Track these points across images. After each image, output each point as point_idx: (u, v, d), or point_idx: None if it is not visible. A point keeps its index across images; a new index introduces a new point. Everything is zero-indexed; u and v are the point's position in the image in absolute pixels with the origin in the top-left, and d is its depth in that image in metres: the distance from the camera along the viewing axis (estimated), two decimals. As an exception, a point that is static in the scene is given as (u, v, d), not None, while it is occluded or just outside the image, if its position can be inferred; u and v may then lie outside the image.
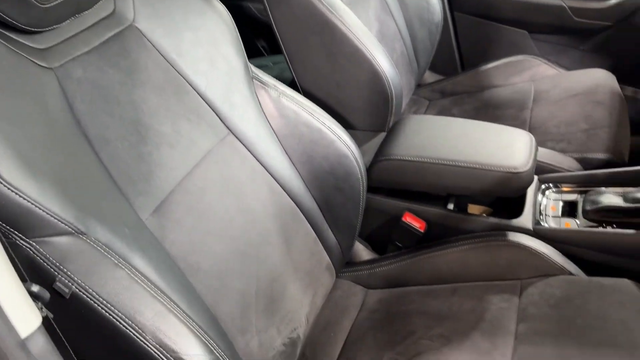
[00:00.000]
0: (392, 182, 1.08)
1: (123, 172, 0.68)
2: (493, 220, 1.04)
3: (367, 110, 1.19)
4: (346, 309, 1.02)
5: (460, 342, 0.86)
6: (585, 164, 1.19)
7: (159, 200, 0.72)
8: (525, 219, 1.03)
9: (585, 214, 1.03)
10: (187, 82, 0.81)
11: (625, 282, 0.87)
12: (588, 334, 0.80)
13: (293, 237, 0.93)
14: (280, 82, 0.95)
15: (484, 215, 1.12)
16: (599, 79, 1.43)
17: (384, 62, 1.13)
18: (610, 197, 1.03)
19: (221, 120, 0.85)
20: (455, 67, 1.87)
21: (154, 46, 0.78)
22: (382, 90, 1.14)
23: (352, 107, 1.19)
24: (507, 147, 1.01)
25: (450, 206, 1.12)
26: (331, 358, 0.94)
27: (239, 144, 0.87)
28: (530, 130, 1.34)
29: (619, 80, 1.44)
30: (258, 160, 0.89)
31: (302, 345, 0.92)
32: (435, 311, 0.94)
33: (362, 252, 1.11)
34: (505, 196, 1.02)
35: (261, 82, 0.93)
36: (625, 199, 1.01)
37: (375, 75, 1.13)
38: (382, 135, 1.18)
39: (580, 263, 0.96)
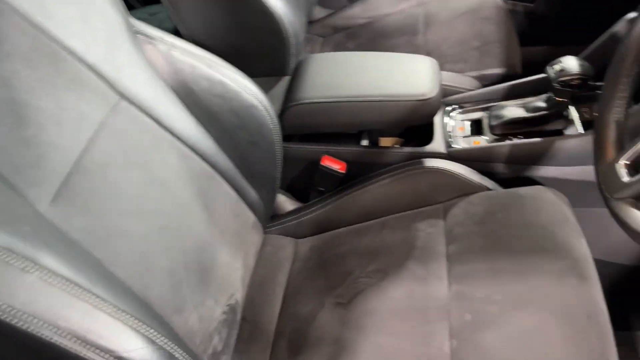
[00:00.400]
0: (305, 127, 1.04)
1: (6, 161, 0.58)
2: (408, 149, 1.04)
3: (265, 54, 1.13)
4: (279, 263, 0.99)
5: (396, 273, 0.87)
6: (484, 80, 1.23)
7: (55, 187, 0.63)
8: (438, 144, 1.05)
9: (492, 129, 1.07)
10: (60, 47, 0.70)
11: (540, 189, 0.92)
12: (515, 244, 0.84)
13: (213, 201, 0.87)
14: (168, 34, 0.86)
15: (397, 146, 1.12)
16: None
17: (274, 0, 1.06)
18: (513, 110, 1.07)
19: (109, 85, 0.75)
20: (343, -1, 1.82)
21: (13, 11, 0.66)
22: (277, 30, 1.08)
23: (248, 53, 1.12)
24: (413, 75, 1.00)
25: (364, 142, 1.11)
26: (272, 316, 0.91)
27: (135, 109, 0.78)
28: (427, 55, 1.35)
29: (500, -5, 1.48)
30: (160, 125, 0.80)
31: (241, 310, 0.89)
32: (368, 248, 0.94)
33: (286, 203, 1.08)
34: (416, 124, 1.02)
35: (147, 36, 0.83)
36: (527, 109, 1.05)
37: (267, 15, 1.06)
38: (287, 80, 1.13)
39: (495, 178, 1.00)
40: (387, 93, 0.96)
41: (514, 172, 1.02)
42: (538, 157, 1.00)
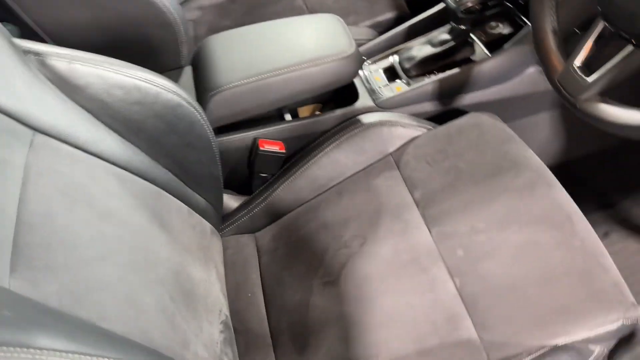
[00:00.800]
0: (230, 115, 0.96)
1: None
2: (340, 112, 1.02)
3: (154, 47, 1.01)
4: (246, 263, 0.93)
5: (374, 234, 0.86)
6: (379, 28, 1.23)
7: (7, 256, 0.51)
8: (364, 99, 1.04)
9: (407, 72, 1.08)
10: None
11: (474, 115, 0.95)
12: (475, 171, 0.87)
13: (168, 219, 0.77)
14: (60, 47, 0.73)
15: (318, 112, 1.09)
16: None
17: None
18: (421, 49, 1.09)
19: (16, 120, 0.62)
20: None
21: None
22: (163, 18, 0.97)
23: (134, 51, 1.00)
24: (326, 35, 0.97)
25: (288, 117, 1.06)
26: (260, 318, 0.86)
27: (54, 141, 0.65)
28: (309, 13, 1.32)
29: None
30: (85, 152, 0.69)
31: (232, 322, 0.82)
32: (335, 219, 0.91)
33: (230, 200, 1.00)
34: (345, 83, 0.99)
35: (39, 54, 0.69)
36: (433, 45, 1.08)
37: (147, 4, 0.95)
38: (188, 71, 1.03)
39: (428, 117, 1.02)
40: (309, 58, 0.92)
41: (441, 107, 1.04)
42: (458, 87, 1.04)
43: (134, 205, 0.72)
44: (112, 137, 0.73)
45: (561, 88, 0.67)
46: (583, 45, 0.65)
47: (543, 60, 0.71)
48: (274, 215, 0.97)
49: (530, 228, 0.78)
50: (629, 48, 0.60)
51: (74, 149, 0.67)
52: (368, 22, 1.24)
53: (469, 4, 0.99)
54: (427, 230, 0.84)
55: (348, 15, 1.26)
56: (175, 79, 1.03)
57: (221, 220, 0.96)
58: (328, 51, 0.93)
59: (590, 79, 0.63)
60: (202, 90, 0.94)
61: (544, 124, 1.15)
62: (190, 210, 0.84)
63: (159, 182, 0.79)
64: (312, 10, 1.32)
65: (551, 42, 0.70)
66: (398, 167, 0.93)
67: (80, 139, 0.68)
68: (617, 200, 1.32)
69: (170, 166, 0.81)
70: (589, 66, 0.65)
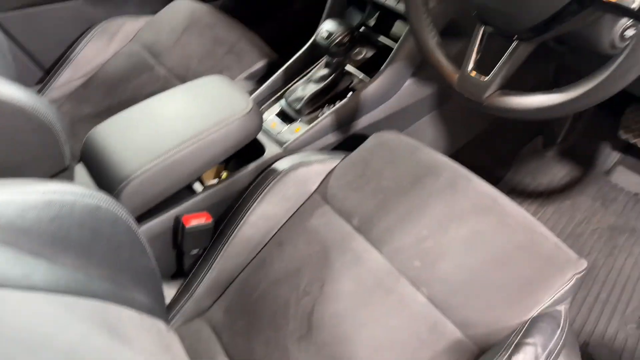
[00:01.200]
0: (145, 203, 0.90)
1: None
2: (252, 166, 1.01)
3: (37, 154, 0.92)
4: (208, 349, 0.87)
5: (331, 273, 0.86)
6: (254, 78, 1.25)
7: None
8: (271, 148, 1.05)
9: (300, 112, 1.11)
10: None
11: (377, 135, 1.00)
12: (400, 185, 0.91)
13: (123, 331, 0.70)
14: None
15: (224, 173, 1.08)
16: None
17: (6, 89, 0.86)
18: (304, 88, 1.13)
19: None
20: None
21: None
22: (36, 122, 0.89)
23: (19, 162, 0.90)
24: (220, 96, 0.96)
25: (197, 186, 1.03)
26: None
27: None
28: (181, 78, 1.30)
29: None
30: (21, 289, 0.60)
31: None
32: (284, 271, 0.90)
33: (168, 289, 0.93)
34: (250, 140, 0.98)
35: None
36: (316, 81, 1.13)
37: (14, 111, 0.86)
38: (80, 168, 0.95)
39: (335, 147, 1.06)
40: (212, 123, 0.90)
41: (344, 135, 1.09)
42: (352, 114, 1.10)
43: (88, 331, 0.64)
44: (41, 265, 0.65)
45: (466, 94, 0.74)
46: (472, 51, 0.73)
47: (439, 73, 0.78)
48: (218, 289, 0.93)
49: (468, 221, 0.84)
50: (514, 43, 0.69)
51: (5, 292, 0.58)
52: (242, 76, 1.25)
53: (338, 38, 1.05)
54: (377, 252, 0.86)
55: (220, 72, 1.26)
56: (67, 181, 0.94)
57: (166, 312, 0.89)
58: (228, 111, 0.92)
59: (487, 79, 0.71)
60: (106, 185, 0.87)
61: (428, 126, 1.26)
62: (140, 313, 0.77)
63: (101, 295, 0.71)
64: (179, 77, 1.30)
65: (439, 56, 0.77)
66: (327, 202, 0.95)
67: (10, 278, 0.60)
68: (501, 174, 1.48)
69: (106, 273, 0.74)
70: (482, 66, 0.73)
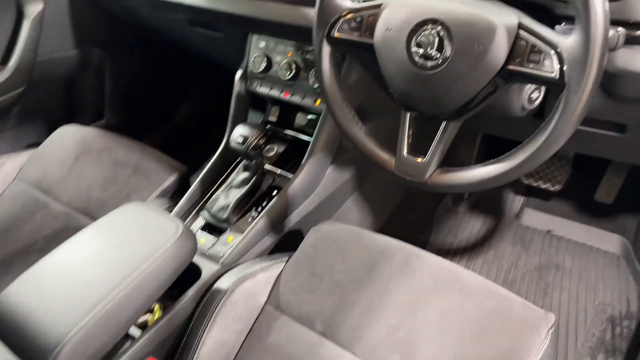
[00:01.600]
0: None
1: None
2: (192, 292, 0.92)
3: None
4: None
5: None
6: (168, 193, 1.18)
7: None
8: (207, 267, 0.97)
9: (228, 221, 1.06)
10: None
11: (316, 229, 0.97)
12: (355, 276, 0.89)
13: None
14: None
15: (155, 305, 0.97)
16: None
17: None
18: (227, 195, 1.09)
19: None
20: None
21: None
22: None
23: None
24: (142, 225, 0.87)
25: (133, 330, 0.91)
26: None
27: None
28: (83, 210, 1.18)
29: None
30: None
31: None
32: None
33: None
34: (188, 264, 0.90)
35: None
36: (237, 186, 1.09)
37: None
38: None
39: (275, 249, 1.01)
40: (144, 256, 0.81)
41: (279, 234, 1.05)
42: (283, 212, 1.07)
43: None
44: None
45: (408, 177, 0.74)
46: (403, 136, 0.75)
47: (375, 162, 0.78)
48: None
49: (433, 299, 0.83)
50: (443, 123, 0.71)
51: None
52: (154, 195, 1.17)
53: (255, 141, 1.03)
54: (351, 354, 0.81)
55: (129, 196, 1.17)
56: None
57: None
58: (157, 240, 0.84)
59: (425, 160, 0.72)
60: (34, 357, 0.73)
61: (353, 208, 1.26)
62: None
63: None
64: (81, 210, 1.18)
65: (372, 147, 0.78)
66: (283, 312, 0.89)
67: None
68: (425, 238, 1.52)
69: None
70: (416, 148, 0.75)
